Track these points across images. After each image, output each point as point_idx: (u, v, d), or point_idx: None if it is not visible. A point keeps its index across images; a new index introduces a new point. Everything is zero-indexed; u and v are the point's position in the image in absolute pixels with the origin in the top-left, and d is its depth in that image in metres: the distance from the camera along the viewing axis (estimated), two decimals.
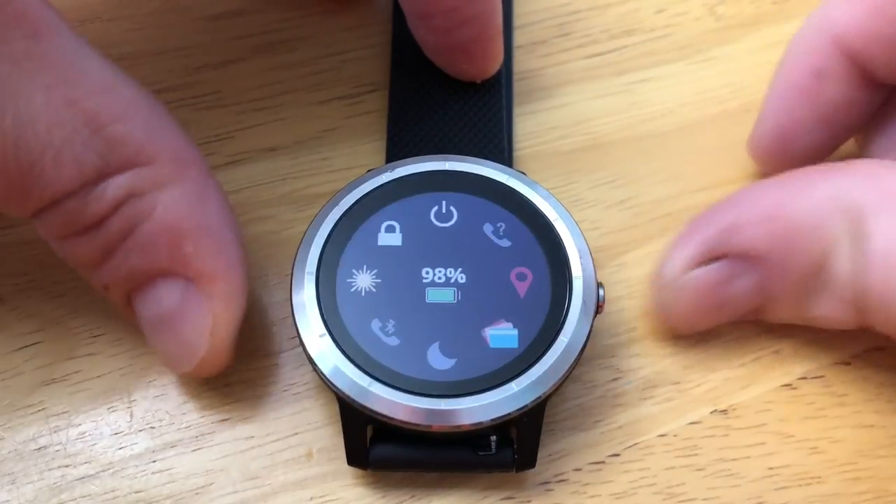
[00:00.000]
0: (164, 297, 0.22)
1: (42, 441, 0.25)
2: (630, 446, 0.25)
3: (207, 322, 0.22)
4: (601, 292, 0.24)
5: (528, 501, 0.24)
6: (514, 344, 0.23)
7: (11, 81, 0.20)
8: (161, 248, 0.22)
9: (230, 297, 0.23)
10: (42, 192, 0.21)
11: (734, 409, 0.26)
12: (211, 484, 0.24)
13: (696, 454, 0.25)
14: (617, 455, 0.25)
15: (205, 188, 0.22)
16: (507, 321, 0.23)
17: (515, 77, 0.30)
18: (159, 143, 0.22)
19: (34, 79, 0.20)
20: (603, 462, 0.25)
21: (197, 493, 0.24)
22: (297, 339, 0.24)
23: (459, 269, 0.24)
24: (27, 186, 0.21)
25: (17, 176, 0.20)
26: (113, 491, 0.24)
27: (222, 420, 0.25)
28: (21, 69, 0.20)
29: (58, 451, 0.25)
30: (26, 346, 0.26)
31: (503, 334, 0.23)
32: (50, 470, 0.24)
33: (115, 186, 0.21)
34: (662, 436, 0.25)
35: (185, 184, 0.22)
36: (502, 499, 0.24)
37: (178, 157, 0.22)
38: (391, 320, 0.23)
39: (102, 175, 0.21)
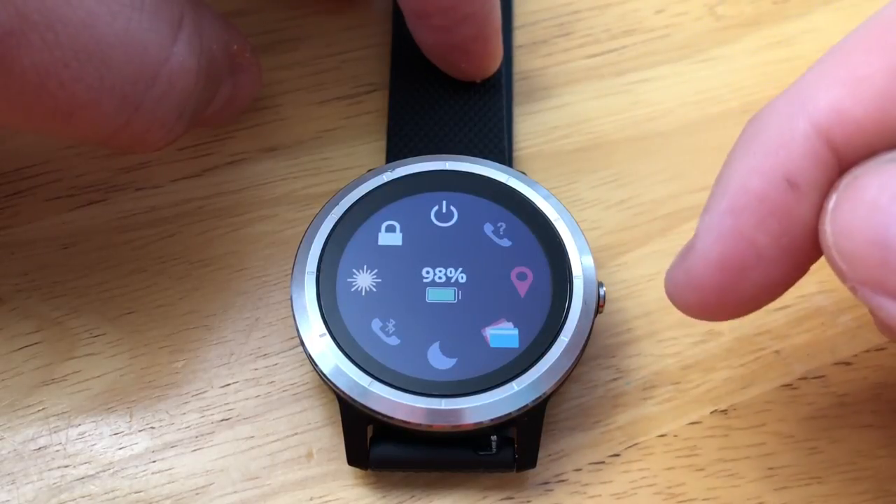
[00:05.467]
0: None
1: (42, 441, 0.25)
2: (630, 446, 0.25)
3: None
4: (601, 292, 0.24)
5: (528, 501, 0.24)
6: (515, 343, 0.23)
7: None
8: None
9: None
10: None
11: (734, 409, 0.26)
12: (211, 484, 0.24)
13: (696, 454, 0.25)
14: (617, 455, 0.25)
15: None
16: (508, 321, 0.23)
17: (515, 77, 0.30)
18: None
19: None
20: (603, 462, 0.25)
21: (197, 494, 0.24)
22: (297, 339, 0.24)
23: (460, 269, 0.24)
24: None
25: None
26: (113, 491, 0.24)
27: (222, 420, 0.25)
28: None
29: (57, 451, 0.25)
30: (26, 347, 0.26)
31: (504, 334, 0.23)
32: (50, 470, 0.24)
33: None
34: (662, 436, 0.25)
35: None
36: (502, 499, 0.24)
37: None
38: (391, 320, 0.23)
39: None
